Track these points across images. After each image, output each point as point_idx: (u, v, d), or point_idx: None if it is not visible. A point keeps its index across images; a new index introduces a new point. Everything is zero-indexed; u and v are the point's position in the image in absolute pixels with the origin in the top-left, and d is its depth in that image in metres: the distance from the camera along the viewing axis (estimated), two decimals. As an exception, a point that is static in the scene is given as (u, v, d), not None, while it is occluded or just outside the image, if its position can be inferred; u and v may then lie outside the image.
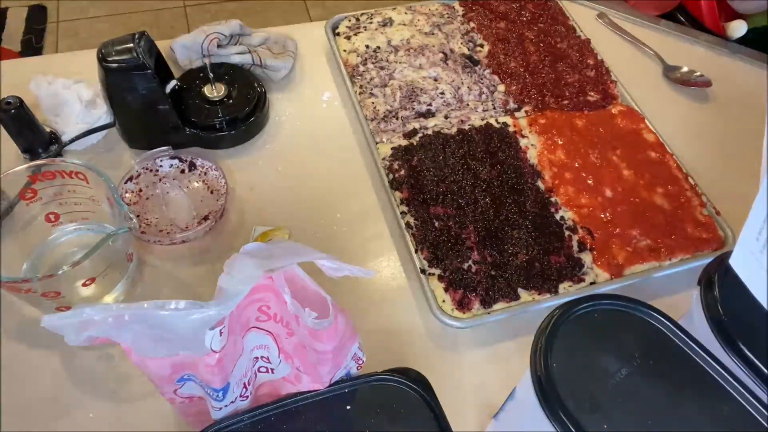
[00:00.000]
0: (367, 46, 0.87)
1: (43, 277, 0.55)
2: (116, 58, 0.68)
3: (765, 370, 0.41)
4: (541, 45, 0.90)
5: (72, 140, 0.74)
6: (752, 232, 0.41)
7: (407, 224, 0.69)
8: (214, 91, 0.78)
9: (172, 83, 0.76)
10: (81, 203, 0.64)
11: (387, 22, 0.91)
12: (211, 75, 0.77)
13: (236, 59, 0.83)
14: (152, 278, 0.67)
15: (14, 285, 0.54)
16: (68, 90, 0.75)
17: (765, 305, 0.42)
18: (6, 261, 0.59)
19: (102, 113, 0.76)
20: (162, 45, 0.81)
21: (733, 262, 0.42)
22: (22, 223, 0.63)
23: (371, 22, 0.91)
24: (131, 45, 0.69)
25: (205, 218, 0.70)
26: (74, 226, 0.66)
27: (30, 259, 0.64)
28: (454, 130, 0.78)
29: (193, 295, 0.65)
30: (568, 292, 0.65)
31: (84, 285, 0.59)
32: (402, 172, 0.73)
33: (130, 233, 0.58)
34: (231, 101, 0.78)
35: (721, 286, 0.44)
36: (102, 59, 0.69)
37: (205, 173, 0.74)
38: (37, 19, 2.31)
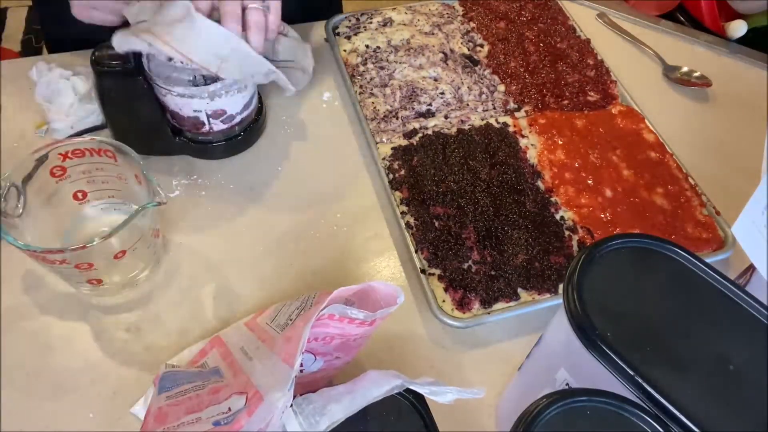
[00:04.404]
0: (367, 46, 0.87)
1: (76, 248, 0.55)
2: (110, 62, 0.66)
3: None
4: (541, 45, 0.90)
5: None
6: (758, 206, 0.42)
7: (407, 224, 0.69)
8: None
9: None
10: (108, 181, 0.65)
11: (387, 22, 0.91)
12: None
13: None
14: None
15: (47, 256, 0.55)
16: (65, 80, 0.75)
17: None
18: (39, 237, 0.60)
19: (94, 109, 0.75)
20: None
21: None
22: (53, 200, 0.63)
23: (371, 22, 0.91)
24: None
25: None
26: (102, 204, 0.67)
27: (61, 235, 0.65)
28: (454, 130, 0.78)
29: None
30: (568, 292, 0.65)
31: (116, 257, 0.60)
32: (402, 172, 0.73)
33: (157, 209, 0.59)
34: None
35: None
36: (95, 63, 0.67)
37: None
38: (37, 19, 2.31)
